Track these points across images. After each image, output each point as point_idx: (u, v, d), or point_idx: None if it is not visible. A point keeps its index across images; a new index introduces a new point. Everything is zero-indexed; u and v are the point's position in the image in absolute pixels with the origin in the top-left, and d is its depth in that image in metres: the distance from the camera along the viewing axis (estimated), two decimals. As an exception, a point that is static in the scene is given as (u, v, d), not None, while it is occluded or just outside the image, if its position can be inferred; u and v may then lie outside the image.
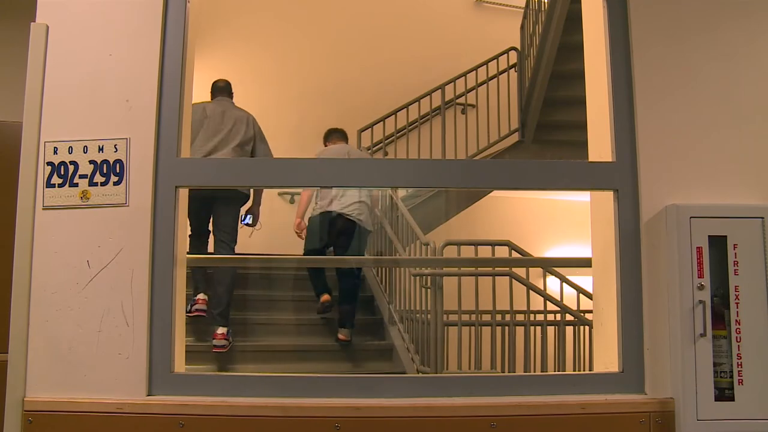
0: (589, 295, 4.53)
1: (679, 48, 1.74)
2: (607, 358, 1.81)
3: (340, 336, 4.76)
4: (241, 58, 7.09)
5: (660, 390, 1.64)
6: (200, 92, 6.04)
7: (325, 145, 5.25)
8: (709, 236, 1.60)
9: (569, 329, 4.74)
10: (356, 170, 1.75)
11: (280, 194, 6.90)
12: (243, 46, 7.18)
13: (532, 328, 4.67)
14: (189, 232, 4.34)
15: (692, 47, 1.75)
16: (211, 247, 4.48)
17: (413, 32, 7.40)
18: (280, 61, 7.21)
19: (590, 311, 4.18)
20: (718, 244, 1.60)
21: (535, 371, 4.65)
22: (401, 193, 5.83)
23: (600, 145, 1.85)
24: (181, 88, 1.71)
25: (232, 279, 4.40)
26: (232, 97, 4.69)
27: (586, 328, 4.73)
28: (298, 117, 6.90)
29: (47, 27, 1.69)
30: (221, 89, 4.66)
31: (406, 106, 6.49)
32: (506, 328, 4.59)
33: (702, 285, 1.58)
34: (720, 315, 1.60)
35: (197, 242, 4.41)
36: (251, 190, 4.54)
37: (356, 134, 6.43)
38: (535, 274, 4.93)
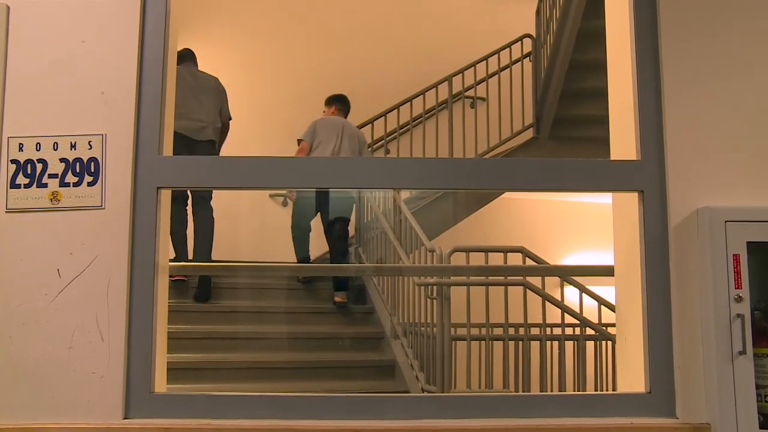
0: (611, 307, 4.52)
1: (713, 33, 1.73)
2: (632, 377, 1.79)
3: (337, 299, 5.25)
4: (229, 47, 7.09)
5: (693, 414, 1.62)
6: (185, 84, 6.03)
7: (324, 112, 5.82)
8: (747, 242, 1.57)
9: (590, 344, 4.73)
10: (355, 170, 1.73)
11: (271, 196, 6.91)
12: (231, 33, 7.18)
13: (548, 343, 4.66)
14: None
15: (729, 33, 1.73)
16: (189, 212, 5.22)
17: (418, 18, 7.40)
18: (272, 51, 7.21)
19: (613, 325, 4.17)
20: (759, 251, 1.58)
21: (552, 391, 4.64)
22: (404, 194, 5.82)
23: (623, 142, 1.83)
24: (162, 78, 1.69)
25: (211, 236, 5.20)
26: (196, 64, 5.50)
27: (609, 343, 4.71)
28: (291, 112, 6.89)
29: (8, 7, 1.67)
30: (184, 56, 5.41)
31: (410, 99, 6.49)
32: (520, 343, 4.59)
33: (740, 297, 1.56)
34: (762, 331, 1.57)
35: (177, 207, 5.06)
36: (216, 142, 5.37)
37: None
38: (551, 284, 4.92)
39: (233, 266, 5.11)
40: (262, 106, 6.95)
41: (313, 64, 7.13)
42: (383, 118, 6.52)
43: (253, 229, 6.80)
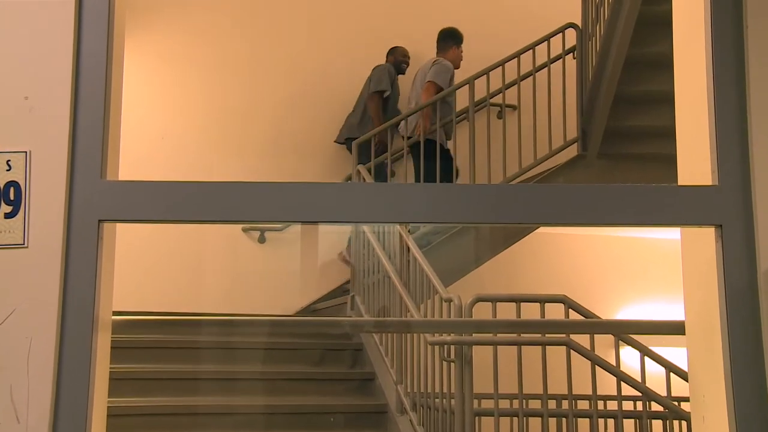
0: (684, 376, 4.48)
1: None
2: (713, 468, 1.76)
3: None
4: (198, 37, 7.14)
5: None
6: (135, 86, 6.07)
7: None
8: None
9: (656, 424, 4.70)
10: (352, 199, 1.72)
11: (245, 230, 6.91)
12: (200, 19, 7.24)
13: (600, 421, 4.62)
14: None
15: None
16: None
17: (430, 6, 7.46)
18: (251, 49, 7.27)
19: (686, 399, 4.13)
20: None
21: (605, 483, 4.60)
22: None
23: (694, 162, 1.82)
24: (106, 76, 1.68)
25: None
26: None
27: (682, 423, 4.67)
28: (272, 124, 6.94)
29: None
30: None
31: (422, 108, 6.51)
32: (563, 420, 4.55)
33: None
34: None
35: None
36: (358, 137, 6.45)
37: (354, 147, 6.44)
38: (603, 344, 4.89)
39: (195, 320, 5.09)
40: (235, 118, 6.98)
41: (301, 67, 7.18)
42: (387, 131, 6.54)
43: (221, 273, 6.80)
